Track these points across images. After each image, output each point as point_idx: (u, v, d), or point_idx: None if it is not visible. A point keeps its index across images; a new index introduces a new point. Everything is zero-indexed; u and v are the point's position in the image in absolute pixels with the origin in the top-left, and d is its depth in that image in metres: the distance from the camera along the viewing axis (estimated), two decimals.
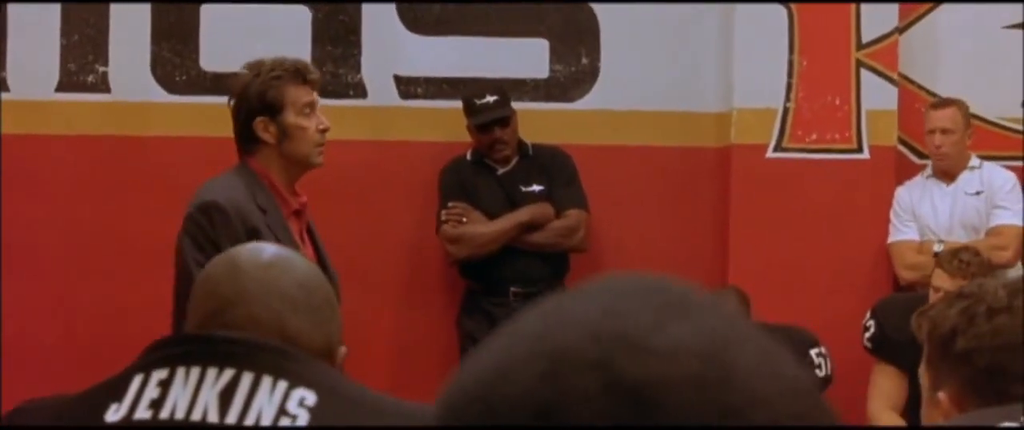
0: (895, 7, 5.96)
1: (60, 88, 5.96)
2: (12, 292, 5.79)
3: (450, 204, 5.78)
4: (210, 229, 3.55)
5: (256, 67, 3.82)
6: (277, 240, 3.50)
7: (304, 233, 3.82)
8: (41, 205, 5.87)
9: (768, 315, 5.58)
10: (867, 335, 5.40)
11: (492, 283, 5.77)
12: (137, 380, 1.92)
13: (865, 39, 5.90)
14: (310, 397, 1.87)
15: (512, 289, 5.75)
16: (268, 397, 1.86)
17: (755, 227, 5.88)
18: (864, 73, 5.90)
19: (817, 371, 5.49)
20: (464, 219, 5.75)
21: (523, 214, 5.76)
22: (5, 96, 5.88)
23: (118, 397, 1.91)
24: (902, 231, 5.82)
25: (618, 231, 6.03)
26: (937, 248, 5.62)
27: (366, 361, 5.93)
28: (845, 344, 5.50)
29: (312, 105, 3.76)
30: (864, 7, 5.89)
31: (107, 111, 5.97)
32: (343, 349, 2.07)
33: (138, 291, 5.63)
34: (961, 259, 5.23)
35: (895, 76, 5.93)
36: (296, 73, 3.74)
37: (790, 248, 5.86)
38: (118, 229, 5.87)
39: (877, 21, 5.91)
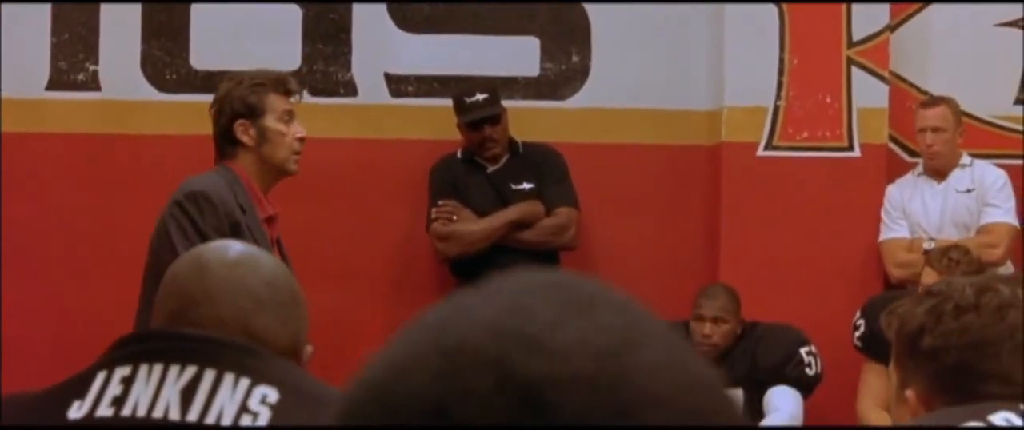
0: (886, 6, 5.95)
1: (50, 86, 5.96)
2: (4, 290, 5.79)
3: (440, 202, 5.77)
4: (198, 217, 3.64)
5: (239, 76, 4.05)
6: (254, 239, 3.57)
7: (274, 242, 3.87)
8: (32, 203, 5.87)
9: (758, 313, 5.59)
10: (857, 334, 5.39)
11: (482, 282, 5.76)
12: (100, 377, 1.92)
13: (856, 37, 5.89)
14: (272, 394, 1.87)
15: None
16: (230, 394, 1.86)
17: (746, 225, 5.87)
18: (855, 71, 5.89)
19: (807, 369, 5.49)
20: (454, 217, 5.75)
21: (512, 212, 5.75)
22: None
23: (81, 394, 1.91)
24: (893, 229, 5.81)
25: (609, 229, 6.02)
26: (928, 246, 5.62)
27: (356, 359, 5.92)
28: (835, 342, 5.50)
29: (291, 114, 3.92)
30: (855, 6, 5.88)
31: (97, 109, 5.97)
32: (309, 348, 2.06)
33: (129, 289, 5.60)
34: (951, 257, 5.23)
35: (886, 74, 5.93)
36: (278, 83, 3.94)
37: (781, 246, 5.85)
38: (109, 227, 5.87)
39: (868, 19, 5.90)
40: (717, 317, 5.53)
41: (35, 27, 5.93)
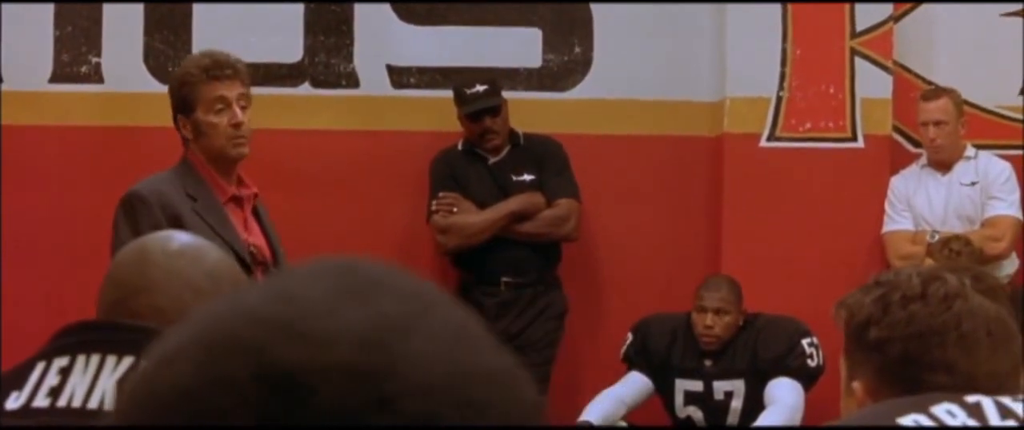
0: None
1: (54, 79, 5.98)
2: (4, 282, 5.81)
3: (440, 194, 5.77)
4: (132, 217, 3.66)
5: (183, 65, 4.03)
6: (207, 224, 3.59)
7: (250, 220, 3.84)
8: (34, 196, 5.89)
9: (761, 305, 5.57)
10: None
11: (484, 273, 5.76)
12: (39, 368, 1.93)
13: (859, 27, 5.86)
14: None
15: (503, 279, 5.74)
16: None
17: (748, 216, 5.85)
18: (858, 61, 5.86)
19: (809, 361, 5.47)
20: (454, 209, 5.74)
21: (513, 203, 5.74)
22: None
23: (19, 385, 1.92)
24: (897, 221, 5.78)
25: (611, 220, 6.01)
26: (931, 238, 5.58)
27: None
28: (837, 334, 5.44)
29: (223, 100, 3.79)
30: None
31: (100, 102, 5.98)
32: None
33: None
34: (952, 248, 5.20)
35: (890, 64, 5.89)
36: (204, 70, 3.81)
37: (783, 238, 5.82)
38: (111, 220, 5.87)
39: (871, 9, 5.86)
40: (719, 308, 5.51)
41: (38, 20, 5.95)
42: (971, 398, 1.94)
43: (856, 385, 2.06)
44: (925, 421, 1.91)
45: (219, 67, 3.81)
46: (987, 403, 1.94)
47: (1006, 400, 1.95)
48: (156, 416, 0.71)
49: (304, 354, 0.69)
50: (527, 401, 0.75)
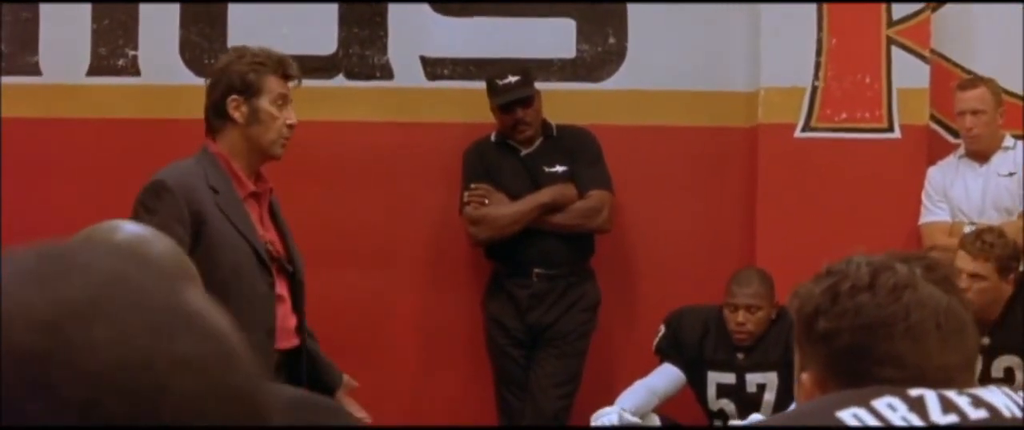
0: None
1: (91, 72, 6.04)
2: None
3: (472, 185, 5.77)
4: (156, 204, 3.66)
5: (241, 51, 3.96)
6: (228, 219, 3.60)
7: (265, 216, 3.85)
8: (71, 188, 5.95)
9: None
10: None
11: (516, 264, 5.76)
12: None
13: (896, 16, 5.78)
14: None
15: (536, 270, 5.73)
16: None
17: (783, 208, 5.80)
18: (895, 50, 5.78)
19: None
20: (486, 200, 5.74)
21: (544, 195, 5.73)
22: (37, 80, 5.98)
23: None
24: (934, 212, 5.70)
25: (645, 212, 5.98)
26: (968, 230, 5.50)
27: (391, 342, 5.96)
28: None
29: (285, 98, 3.84)
30: None
31: (137, 94, 6.03)
32: None
33: None
34: (984, 240, 5.12)
35: (927, 53, 5.81)
36: (278, 65, 3.84)
37: (819, 229, 5.75)
38: None
39: None
40: (750, 305, 5.46)
41: (76, 14, 6.01)
42: (914, 392, 1.90)
43: (805, 377, 2.03)
44: (865, 415, 1.88)
45: (290, 67, 3.86)
46: (930, 397, 1.90)
47: (950, 393, 1.91)
48: None
49: None
50: (229, 390, 0.73)
